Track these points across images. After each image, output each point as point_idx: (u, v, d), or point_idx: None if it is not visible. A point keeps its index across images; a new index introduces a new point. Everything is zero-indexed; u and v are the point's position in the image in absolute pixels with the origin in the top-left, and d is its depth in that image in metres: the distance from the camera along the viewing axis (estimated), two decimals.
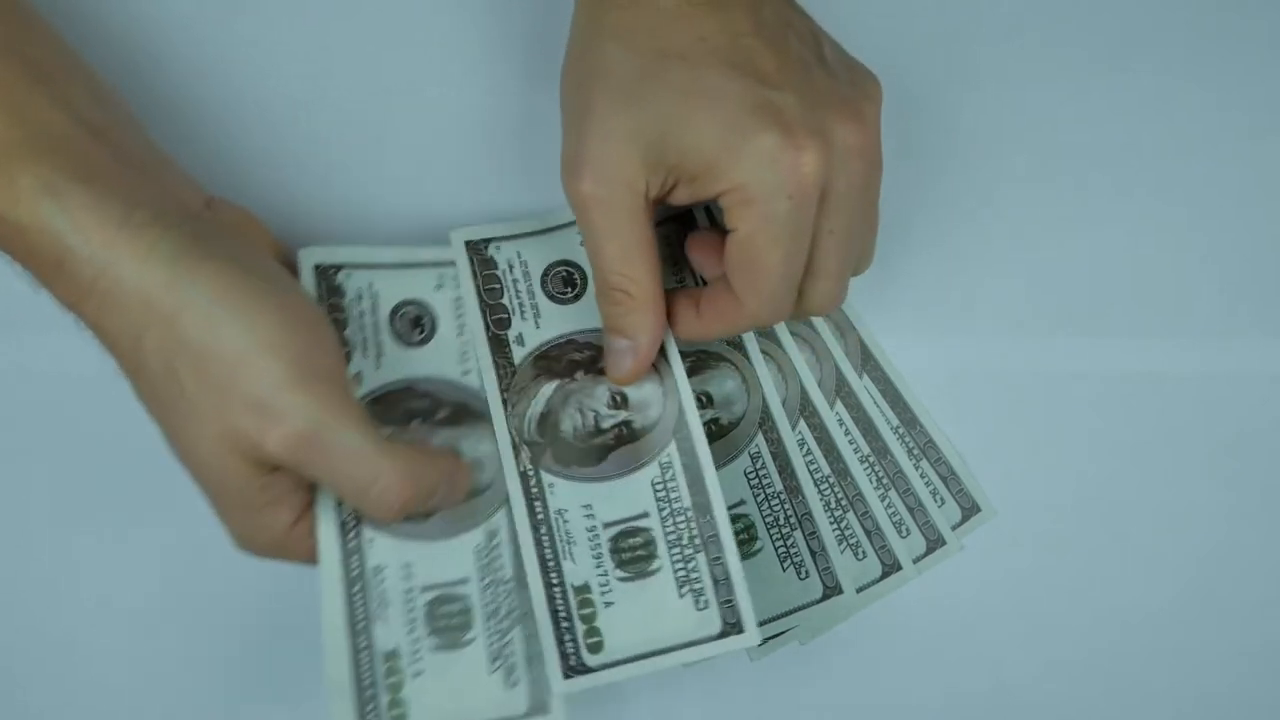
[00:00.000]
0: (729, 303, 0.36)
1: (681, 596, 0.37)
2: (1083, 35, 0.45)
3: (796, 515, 0.42)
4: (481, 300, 0.40)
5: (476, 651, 0.36)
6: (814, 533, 0.42)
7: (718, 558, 0.37)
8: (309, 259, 0.38)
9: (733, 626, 0.36)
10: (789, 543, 0.42)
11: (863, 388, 0.44)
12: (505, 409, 0.39)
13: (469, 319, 0.40)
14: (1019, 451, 0.44)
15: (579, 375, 0.39)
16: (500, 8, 0.44)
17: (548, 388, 0.39)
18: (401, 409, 0.37)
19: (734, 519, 0.40)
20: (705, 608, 0.36)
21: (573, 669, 0.36)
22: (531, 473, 0.38)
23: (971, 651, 0.43)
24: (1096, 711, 0.43)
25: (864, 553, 0.43)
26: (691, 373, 0.41)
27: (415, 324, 0.39)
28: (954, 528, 0.43)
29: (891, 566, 0.43)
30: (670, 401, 0.39)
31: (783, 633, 0.42)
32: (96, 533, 0.41)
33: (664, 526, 0.37)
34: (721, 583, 0.37)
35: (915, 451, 0.44)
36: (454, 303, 0.39)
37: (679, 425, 0.39)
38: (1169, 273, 0.45)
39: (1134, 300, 0.45)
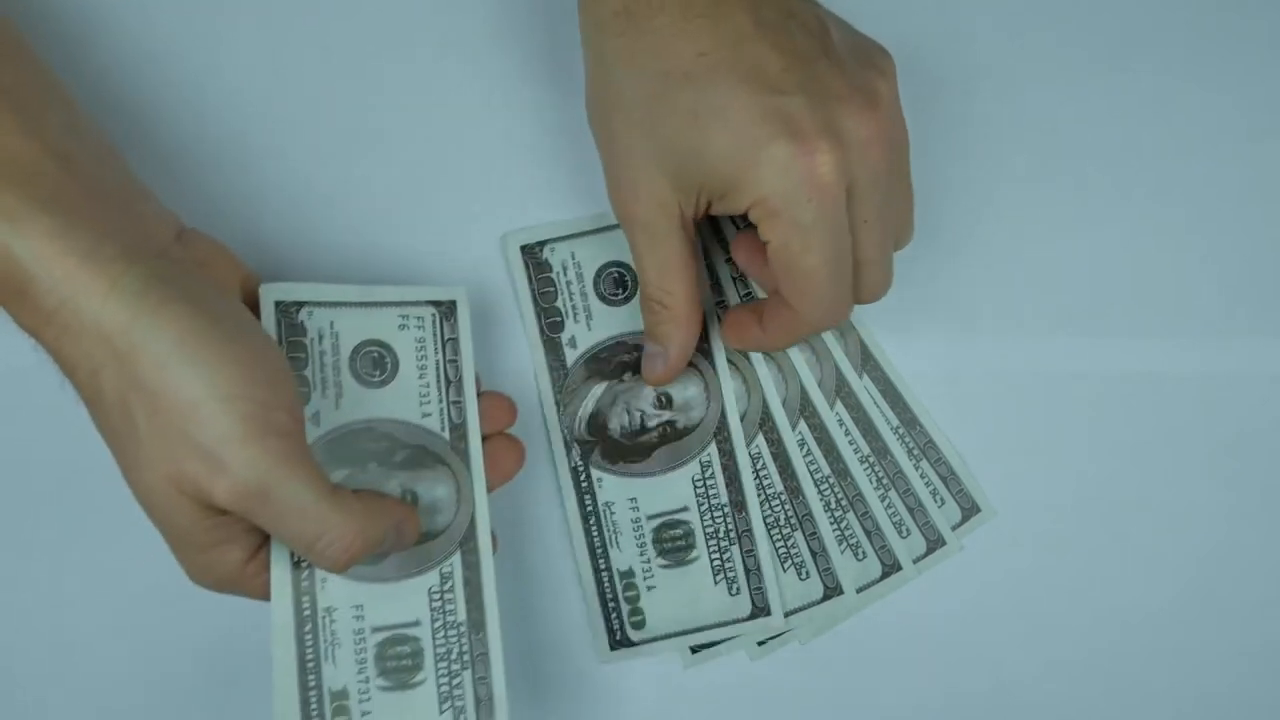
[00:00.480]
0: (788, 313, 0.36)
1: (716, 583, 0.41)
2: (1083, 35, 0.45)
3: (797, 516, 0.42)
4: (536, 304, 0.42)
5: (427, 693, 0.36)
6: (814, 533, 0.42)
7: (750, 550, 0.41)
8: (269, 295, 0.37)
9: (761, 610, 0.40)
10: (789, 543, 0.42)
11: (863, 388, 0.44)
12: (558, 410, 0.42)
13: (525, 321, 0.42)
14: (1019, 451, 0.44)
15: (627, 377, 0.42)
16: (503, 28, 0.44)
17: (598, 389, 0.42)
18: (359, 449, 0.37)
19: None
20: (738, 594, 0.41)
21: (618, 643, 0.40)
22: (581, 468, 0.42)
23: (971, 651, 0.43)
24: (1096, 711, 0.43)
25: (864, 553, 0.43)
26: None
27: (377, 364, 0.38)
28: (954, 528, 0.43)
29: (891, 567, 0.43)
30: (714, 405, 0.41)
31: (783, 633, 0.42)
32: (52, 555, 0.41)
33: (702, 520, 0.41)
34: (753, 572, 0.41)
35: (915, 452, 0.44)
36: (416, 343, 0.39)
37: (720, 427, 0.42)
38: (1169, 273, 0.45)
39: (1134, 300, 0.45)
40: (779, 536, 0.42)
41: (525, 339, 0.42)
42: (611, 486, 0.41)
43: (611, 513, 0.41)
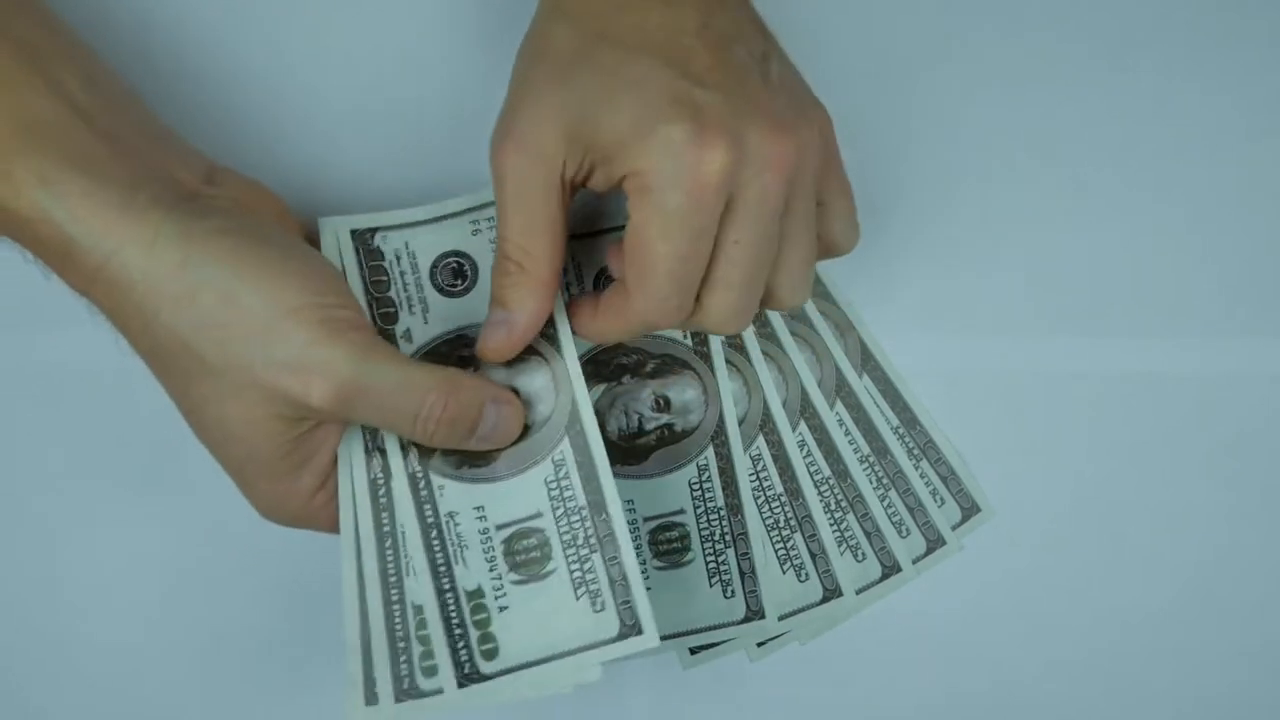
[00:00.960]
0: (622, 300, 0.35)
1: (711, 586, 0.40)
2: (1083, 35, 0.45)
3: (797, 517, 0.42)
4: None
5: (560, 580, 0.36)
6: (814, 535, 0.42)
7: (745, 553, 0.41)
8: (341, 226, 0.39)
9: (756, 613, 0.40)
10: (789, 545, 0.42)
11: (863, 388, 0.44)
12: None
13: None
14: (1019, 451, 0.44)
15: (626, 379, 0.41)
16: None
17: (596, 391, 0.41)
18: (455, 358, 0.38)
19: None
20: (732, 596, 0.40)
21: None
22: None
23: (971, 651, 0.43)
24: (1096, 711, 0.43)
25: (863, 554, 0.43)
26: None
27: (457, 274, 0.39)
28: (954, 528, 0.43)
29: (891, 568, 0.43)
30: (711, 409, 0.41)
31: (783, 634, 0.42)
32: (114, 524, 0.41)
33: (699, 523, 0.41)
34: (748, 575, 0.40)
35: (915, 451, 0.44)
36: (492, 245, 0.39)
37: (718, 431, 0.41)
38: (1168, 273, 0.45)
39: (1133, 300, 0.45)
40: (779, 538, 0.42)
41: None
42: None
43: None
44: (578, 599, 0.36)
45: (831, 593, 0.42)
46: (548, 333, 0.39)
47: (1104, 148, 0.45)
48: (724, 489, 0.41)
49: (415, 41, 0.43)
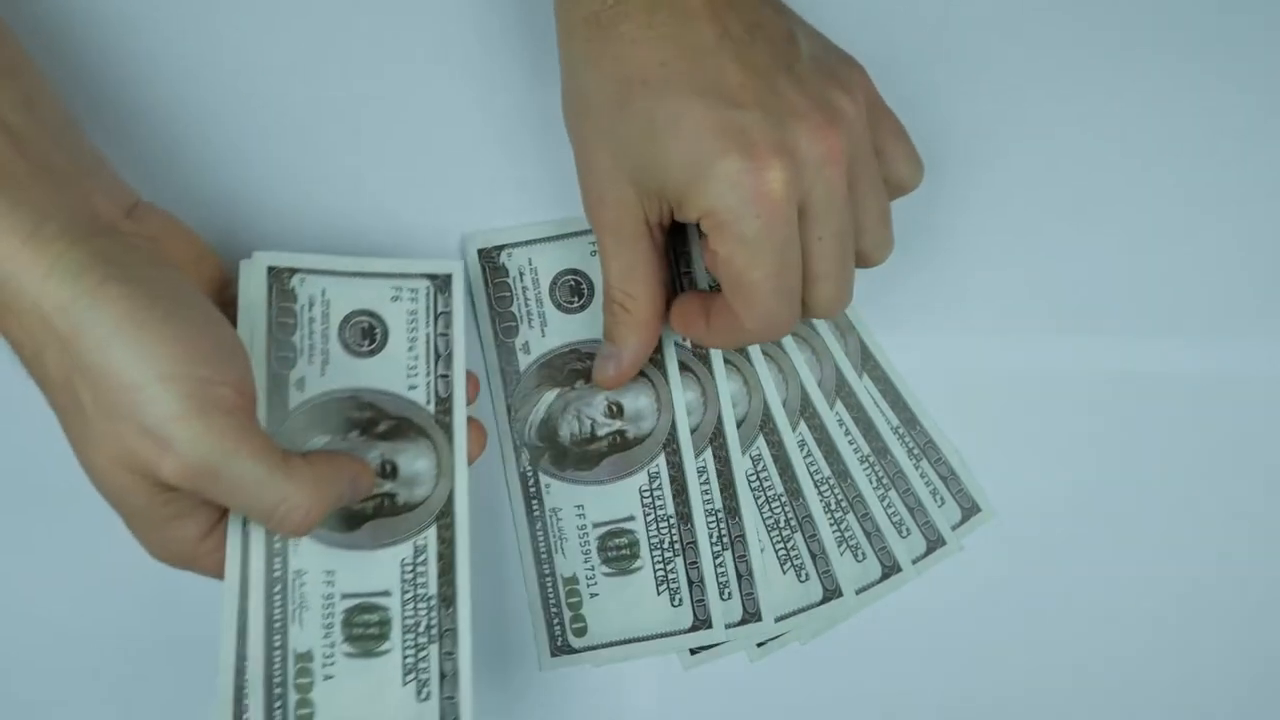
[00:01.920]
0: (731, 318, 0.36)
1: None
2: (1083, 35, 0.45)
3: (797, 518, 0.42)
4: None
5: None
6: (814, 535, 0.42)
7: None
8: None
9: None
10: (789, 545, 0.42)
11: (863, 388, 0.44)
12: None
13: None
14: (1019, 451, 0.44)
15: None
16: (487, 10, 0.44)
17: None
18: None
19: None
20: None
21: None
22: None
23: (971, 651, 0.43)
24: (1096, 711, 0.43)
25: (864, 554, 0.43)
26: None
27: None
28: (954, 528, 0.43)
29: (891, 568, 0.43)
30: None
31: (783, 634, 0.42)
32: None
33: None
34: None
35: (915, 451, 0.44)
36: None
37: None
38: (1169, 273, 0.45)
39: (1133, 300, 0.45)
40: (779, 538, 0.42)
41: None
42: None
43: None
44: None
45: (831, 593, 0.42)
46: (654, 358, 0.41)
47: (1104, 148, 0.45)
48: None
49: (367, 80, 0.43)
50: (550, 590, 0.41)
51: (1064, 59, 0.45)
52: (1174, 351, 0.44)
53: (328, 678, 0.35)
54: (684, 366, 0.42)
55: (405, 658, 0.36)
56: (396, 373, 0.38)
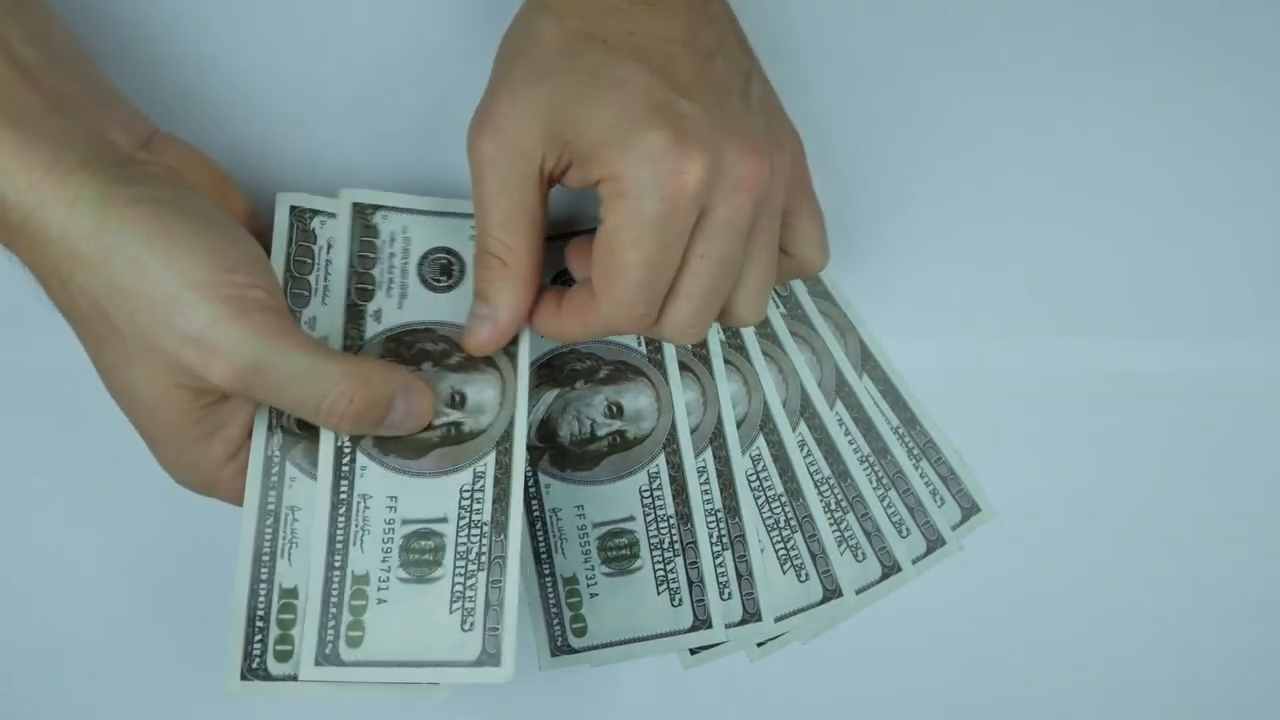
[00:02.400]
0: (587, 301, 0.35)
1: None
2: (1083, 35, 0.45)
3: (797, 518, 0.42)
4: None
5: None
6: (814, 535, 0.42)
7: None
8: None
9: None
10: (789, 545, 0.42)
11: (863, 388, 0.44)
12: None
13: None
14: (1019, 451, 0.44)
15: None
16: None
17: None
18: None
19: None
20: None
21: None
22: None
23: (971, 651, 0.43)
24: (1096, 711, 0.43)
25: (863, 554, 0.43)
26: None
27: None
28: (954, 528, 0.43)
29: (891, 568, 0.43)
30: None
31: (783, 634, 0.42)
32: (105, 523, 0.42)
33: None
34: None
35: (915, 451, 0.44)
36: None
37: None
38: (1169, 273, 0.45)
39: (1133, 300, 0.45)
40: (779, 538, 0.42)
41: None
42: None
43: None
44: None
45: (831, 593, 0.42)
46: (655, 358, 0.42)
47: (1104, 148, 0.45)
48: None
49: (394, 26, 0.43)
50: (550, 590, 0.41)
51: (1064, 58, 0.45)
52: (1174, 351, 0.44)
53: (381, 601, 0.36)
54: (684, 367, 0.42)
55: (455, 585, 0.36)
56: (470, 307, 0.38)
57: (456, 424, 0.38)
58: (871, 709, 0.43)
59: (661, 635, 0.41)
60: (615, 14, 0.34)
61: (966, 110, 0.45)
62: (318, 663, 0.35)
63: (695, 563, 0.41)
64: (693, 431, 0.42)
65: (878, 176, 0.44)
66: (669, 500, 0.41)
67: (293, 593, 0.36)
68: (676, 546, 0.41)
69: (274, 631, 0.36)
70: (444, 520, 0.37)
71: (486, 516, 0.37)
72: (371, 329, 0.39)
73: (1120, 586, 0.43)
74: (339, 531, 0.36)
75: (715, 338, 0.43)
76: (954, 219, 0.45)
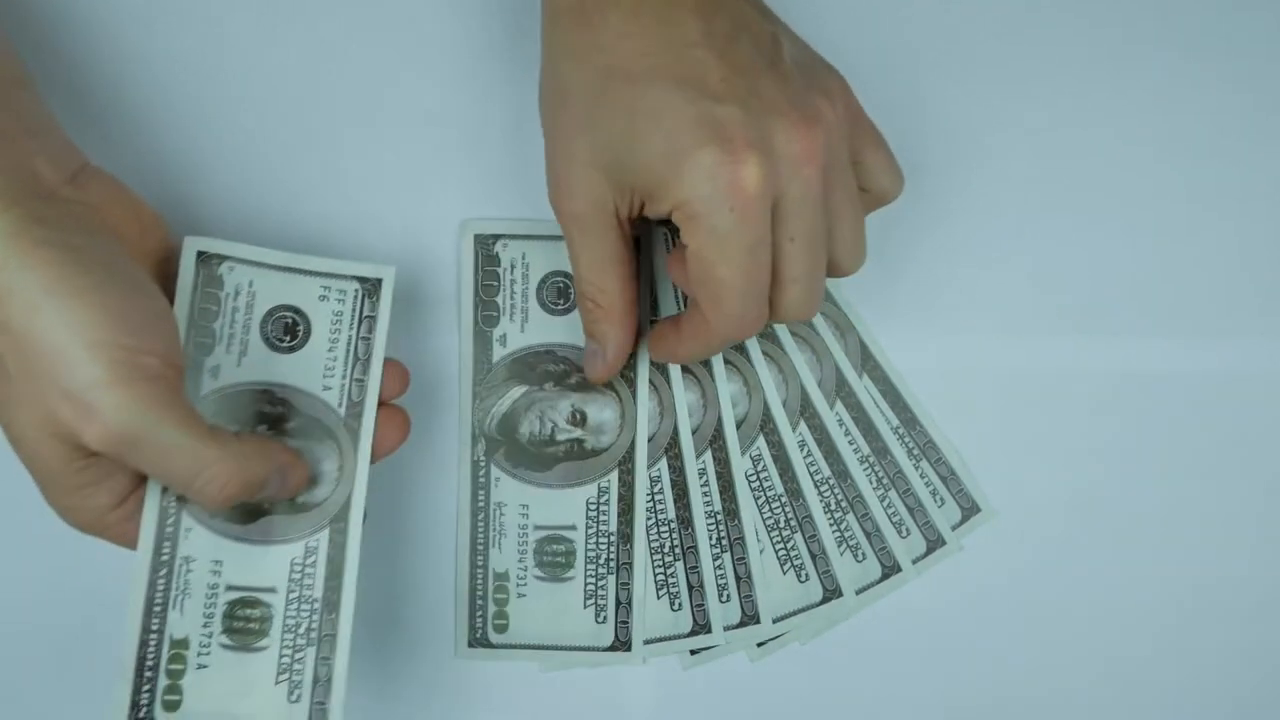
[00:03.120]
0: (701, 322, 0.36)
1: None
2: (1083, 35, 0.45)
3: (797, 518, 0.43)
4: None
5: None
6: (814, 535, 0.42)
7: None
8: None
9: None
10: (789, 545, 0.42)
11: (863, 388, 0.44)
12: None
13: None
14: (1019, 451, 0.44)
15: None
16: (476, 9, 0.44)
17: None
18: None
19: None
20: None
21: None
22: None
23: (971, 651, 0.43)
24: (1096, 711, 0.43)
25: (863, 554, 0.43)
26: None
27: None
28: (954, 528, 0.43)
29: (891, 568, 0.43)
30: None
31: (783, 634, 0.42)
32: None
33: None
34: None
35: (915, 452, 0.44)
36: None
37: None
38: (1169, 273, 0.45)
39: (1134, 300, 0.45)
40: (779, 539, 0.42)
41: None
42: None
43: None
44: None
45: (831, 593, 0.42)
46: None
47: (1104, 148, 0.45)
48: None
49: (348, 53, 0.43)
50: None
51: (1064, 57, 0.45)
52: (1174, 351, 0.44)
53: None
54: (684, 368, 0.43)
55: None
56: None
57: (579, 440, 0.41)
58: (871, 709, 0.43)
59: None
60: (628, 40, 0.34)
61: (966, 109, 0.45)
62: None
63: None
64: (694, 433, 0.42)
65: None
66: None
67: (183, 643, 0.36)
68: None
69: (163, 681, 0.35)
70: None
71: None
72: (498, 353, 0.41)
73: (1120, 586, 0.43)
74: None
75: None
76: (954, 218, 0.45)
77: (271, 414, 0.38)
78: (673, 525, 0.42)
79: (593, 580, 0.41)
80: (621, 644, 0.41)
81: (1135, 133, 0.45)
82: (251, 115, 0.43)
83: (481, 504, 0.41)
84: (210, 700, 0.36)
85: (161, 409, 0.32)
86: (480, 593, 0.41)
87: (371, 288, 0.39)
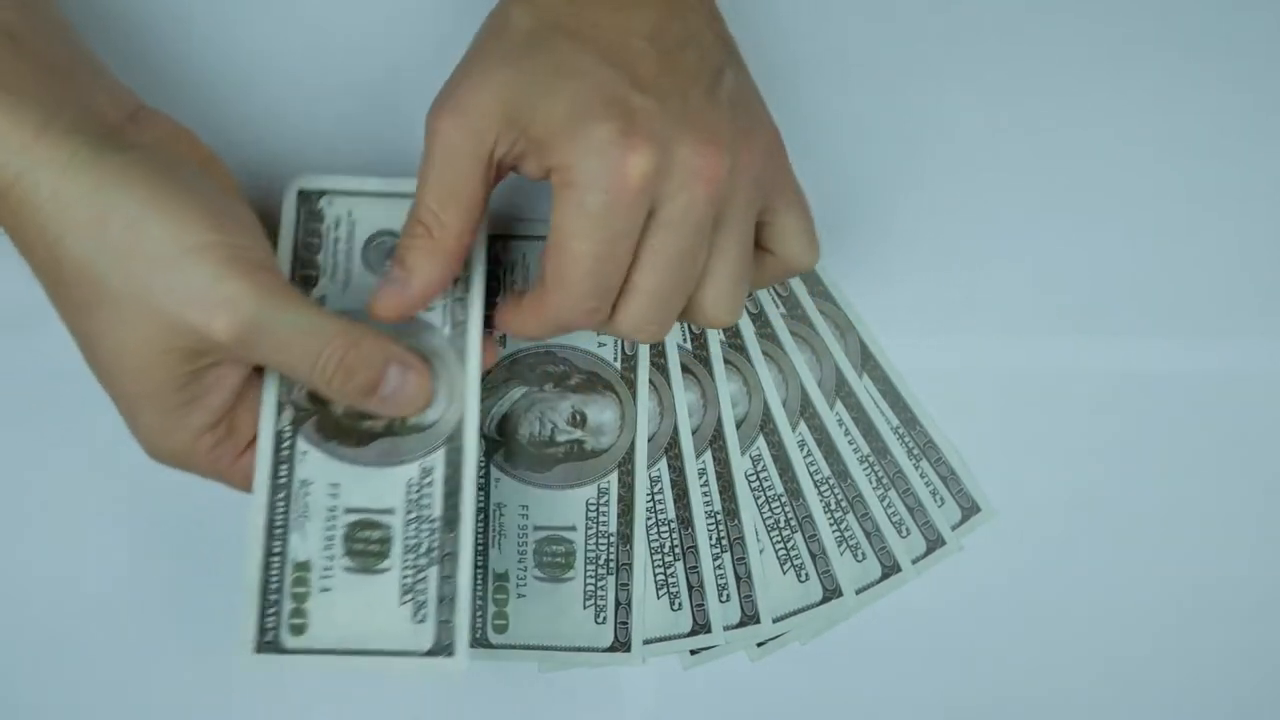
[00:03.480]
0: (541, 297, 0.34)
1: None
2: (1083, 35, 0.45)
3: (797, 518, 0.43)
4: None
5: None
6: (814, 535, 0.42)
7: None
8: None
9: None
10: (789, 545, 0.42)
11: (863, 388, 0.44)
12: None
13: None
14: (1019, 451, 0.44)
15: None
16: None
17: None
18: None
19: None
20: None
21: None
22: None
23: (971, 651, 0.43)
24: (1096, 711, 0.43)
25: (863, 554, 0.43)
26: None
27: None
28: (954, 528, 0.43)
29: (891, 568, 0.43)
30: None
31: (783, 634, 0.42)
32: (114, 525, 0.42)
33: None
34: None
35: (915, 451, 0.44)
36: None
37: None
38: (1169, 273, 0.45)
39: (1134, 300, 0.45)
40: (779, 538, 0.42)
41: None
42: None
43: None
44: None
45: (831, 593, 0.42)
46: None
47: (1104, 147, 0.45)
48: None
49: (380, 14, 0.43)
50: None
51: (1064, 57, 0.45)
52: (1174, 351, 0.44)
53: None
54: (685, 368, 0.43)
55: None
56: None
57: (579, 442, 0.41)
58: (871, 709, 0.43)
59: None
60: (587, 6, 0.34)
61: (967, 109, 0.45)
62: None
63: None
64: (694, 433, 0.42)
65: (878, 176, 0.44)
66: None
67: (305, 566, 0.36)
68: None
69: (288, 605, 0.35)
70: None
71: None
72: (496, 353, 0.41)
73: (1120, 586, 0.43)
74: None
75: (715, 338, 0.43)
76: (954, 218, 0.45)
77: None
78: (673, 525, 0.42)
79: (592, 581, 0.41)
80: (621, 644, 0.41)
81: (1135, 133, 0.45)
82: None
83: (482, 505, 0.41)
84: (336, 623, 0.35)
85: (281, 294, 0.33)
86: (480, 593, 0.41)
87: None
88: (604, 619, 0.41)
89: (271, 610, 0.36)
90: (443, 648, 0.36)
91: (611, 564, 0.41)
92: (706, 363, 0.43)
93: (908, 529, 0.43)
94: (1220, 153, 0.45)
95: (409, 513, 0.37)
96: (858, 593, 0.42)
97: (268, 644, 0.35)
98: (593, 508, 0.42)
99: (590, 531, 0.41)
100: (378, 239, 0.39)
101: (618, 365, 0.42)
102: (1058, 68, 0.45)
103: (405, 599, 0.37)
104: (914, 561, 0.43)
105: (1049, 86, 0.45)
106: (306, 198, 0.39)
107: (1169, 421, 0.44)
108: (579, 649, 0.41)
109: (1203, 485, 0.44)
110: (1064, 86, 0.45)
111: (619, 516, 0.42)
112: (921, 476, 0.44)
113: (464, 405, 0.37)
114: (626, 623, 0.41)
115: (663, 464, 0.42)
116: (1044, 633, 0.43)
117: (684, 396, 0.42)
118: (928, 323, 0.44)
